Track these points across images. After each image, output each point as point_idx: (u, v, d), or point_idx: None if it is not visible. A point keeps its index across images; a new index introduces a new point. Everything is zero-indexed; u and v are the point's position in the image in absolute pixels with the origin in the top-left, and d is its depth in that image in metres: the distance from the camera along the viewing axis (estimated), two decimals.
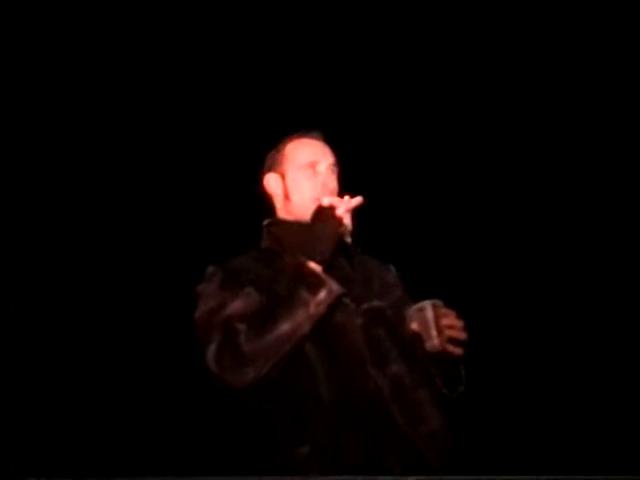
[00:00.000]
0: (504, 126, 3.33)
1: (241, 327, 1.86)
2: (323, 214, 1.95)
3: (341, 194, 2.06)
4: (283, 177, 2.11)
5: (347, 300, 1.96)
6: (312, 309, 1.86)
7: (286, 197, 2.11)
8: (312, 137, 2.14)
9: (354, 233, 2.02)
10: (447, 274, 3.16)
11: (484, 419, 3.10)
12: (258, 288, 1.95)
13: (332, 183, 2.08)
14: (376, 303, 2.03)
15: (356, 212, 2.00)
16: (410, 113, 3.31)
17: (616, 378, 3.14)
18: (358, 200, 1.96)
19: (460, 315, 1.91)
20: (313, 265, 1.91)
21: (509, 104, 3.30)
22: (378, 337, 1.97)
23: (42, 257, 3.06)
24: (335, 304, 1.91)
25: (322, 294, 1.88)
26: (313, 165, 2.08)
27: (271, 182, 2.14)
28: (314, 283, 1.88)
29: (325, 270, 1.96)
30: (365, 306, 2.00)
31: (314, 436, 1.85)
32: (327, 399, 1.87)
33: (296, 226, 2.06)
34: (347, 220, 1.96)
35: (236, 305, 1.91)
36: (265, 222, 2.16)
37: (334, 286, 1.90)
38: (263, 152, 2.23)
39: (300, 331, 1.85)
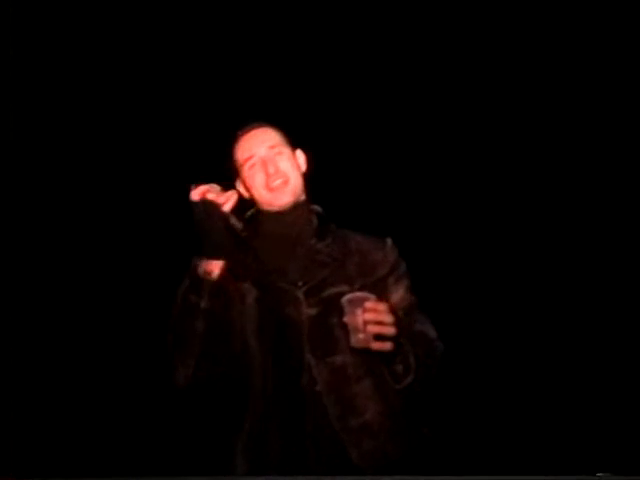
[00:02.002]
0: (493, 117, 3.33)
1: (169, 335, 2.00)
2: (207, 209, 1.94)
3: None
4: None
5: (299, 293, 1.99)
6: (201, 305, 1.94)
7: (252, 197, 2.13)
8: (246, 132, 2.14)
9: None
10: (446, 272, 3.16)
11: (484, 419, 3.10)
12: None
13: (274, 166, 2.07)
14: (338, 289, 2.01)
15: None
16: (410, 109, 3.32)
17: (615, 378, 3.14)
18: (230, 195, 1.95)
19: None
20: (205, 265, 1.95)
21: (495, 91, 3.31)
22: (330, 326, 1.98)
23: (39, 260, 3.07)
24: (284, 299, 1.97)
25: (203, 292, 1.94)
26: (249, 159, 2.09)
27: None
28: (196, 284, 1.95)
29: (292, 255, 2.03)
30: (326, 293, 2.01)
31: (242, 429, 1.94)
32: (258, 393, 1.95)
33: (268, 215, 2.10)
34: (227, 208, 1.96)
35: None
36: (247, 214, 2.18)
37: (213, 268, 1.93)
38: None
39: (196, 330, 1.94)
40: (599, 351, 3.21)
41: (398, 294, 2.08)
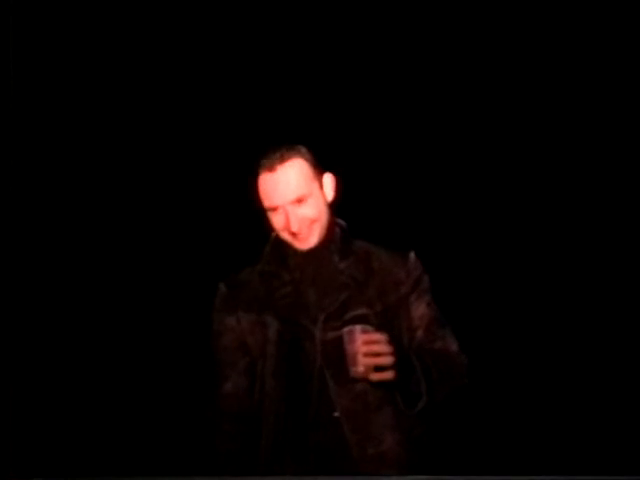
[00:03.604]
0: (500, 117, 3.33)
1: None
2: None
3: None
4: (269, 220, 2.07)
5: (317, 331, 1.98)
6: None
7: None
8: (268, 169, 2.00)
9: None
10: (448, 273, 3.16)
11: (484, 419, 3.11)
12: (248, 310, 2.05)
13: (297, 220, 1.99)
14: (359, 312, 2.00)
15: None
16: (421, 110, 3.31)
17: (616, 378, 3.14)
18: None
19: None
20: None
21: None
22: None
23: (47, 262, 3.08)
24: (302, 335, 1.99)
25: None
26: (275, 209, 2.00)
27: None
28: None
29: (314, 278, 2.02)
30: (347, 316, 1.99)
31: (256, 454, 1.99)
32: (270, 426, 1.97)
33: (290, 250, 2.07)
34: None
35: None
36: (272, 235, 2.13)
37: None
38: None
39: None
40: (598, 351, 3.22)
41: (419, 311, 2.06)
